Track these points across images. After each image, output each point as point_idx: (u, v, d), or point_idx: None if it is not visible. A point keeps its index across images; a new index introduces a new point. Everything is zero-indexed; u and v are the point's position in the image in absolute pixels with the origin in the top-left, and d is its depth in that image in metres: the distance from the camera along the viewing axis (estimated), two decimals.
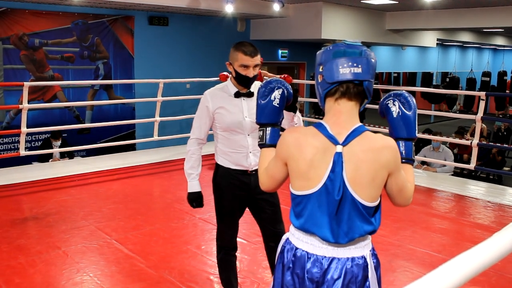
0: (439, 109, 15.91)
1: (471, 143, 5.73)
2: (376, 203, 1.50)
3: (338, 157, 1.46)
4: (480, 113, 5.61)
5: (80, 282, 3.04)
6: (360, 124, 1.50)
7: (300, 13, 9.31)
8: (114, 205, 4.58)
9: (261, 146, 1.73)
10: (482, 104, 5.64)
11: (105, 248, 3.58)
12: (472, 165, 5.71)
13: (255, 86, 2.42)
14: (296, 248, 1.56)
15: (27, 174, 5.44)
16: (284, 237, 1.65)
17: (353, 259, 1.51)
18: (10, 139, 7.35)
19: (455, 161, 7.64)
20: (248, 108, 2.41)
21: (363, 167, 1.45)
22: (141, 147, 7.84)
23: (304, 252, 1.54)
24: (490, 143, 7.79)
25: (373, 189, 1.47)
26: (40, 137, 7.40)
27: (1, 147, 7.32)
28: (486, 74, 16.48)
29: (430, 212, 4.66)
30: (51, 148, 6.54)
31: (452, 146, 8.38)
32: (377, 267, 1.57)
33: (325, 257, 1.51)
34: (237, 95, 2.42)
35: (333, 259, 1.50)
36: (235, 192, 2.48)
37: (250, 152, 2.45)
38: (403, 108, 1.62)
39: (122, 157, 6.51)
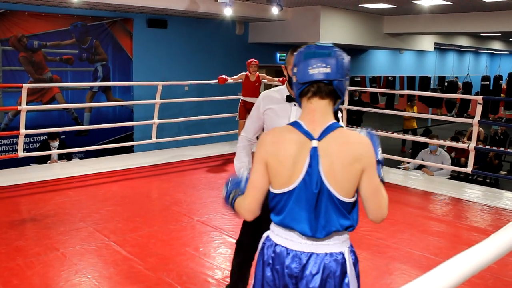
0: (436, 113, 15.93)
1: (468, 146, 5.76)
2: (351, 200, 1.54)
3: (314, 152, 1.50)
4: (477, 117, 5.64)
5: (78, 284, 3.04)
6: (334, 121, 1.55)
7: (298, 17, 9.34)
8: (112, 207, 4.58)
9: (232, 201, 1.73)
10: (479, 108, 5.67)
11: (103, 250, 3.58)
12: (469, 169, 5.73)
13: None
14: (276, 245, 1.60)
15: (25, 176, 5.44)
16: (264, 235, 1.69)
17: (331, 254, 1.55)
18: (8, 141, 7.36)
19: (452, 164, 7.66)
20: (296, 114, 2.35)
21: (338, 161, 1.49)
22: (139, 149, 7.82)
23: (284, 248, 1.58)
24: (487, 147, 7.81)
25: (347, 183, 1.51)
26: (38, 138, 7.40)
27: (0, 148, 7.33)
28: (486, 78, 16.53)
29: (427, 215, 4.68)
30: (49, 149, 6.53)
31: (449, 149, 8.40)
32: (355, 264, 1.61)
33: (303, 252, 1.55)
34: (288, 99, 2.38)
35: (311, 254, 1.54)
36: None
37: None
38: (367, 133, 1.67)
39: (120, 159, 6.51)
